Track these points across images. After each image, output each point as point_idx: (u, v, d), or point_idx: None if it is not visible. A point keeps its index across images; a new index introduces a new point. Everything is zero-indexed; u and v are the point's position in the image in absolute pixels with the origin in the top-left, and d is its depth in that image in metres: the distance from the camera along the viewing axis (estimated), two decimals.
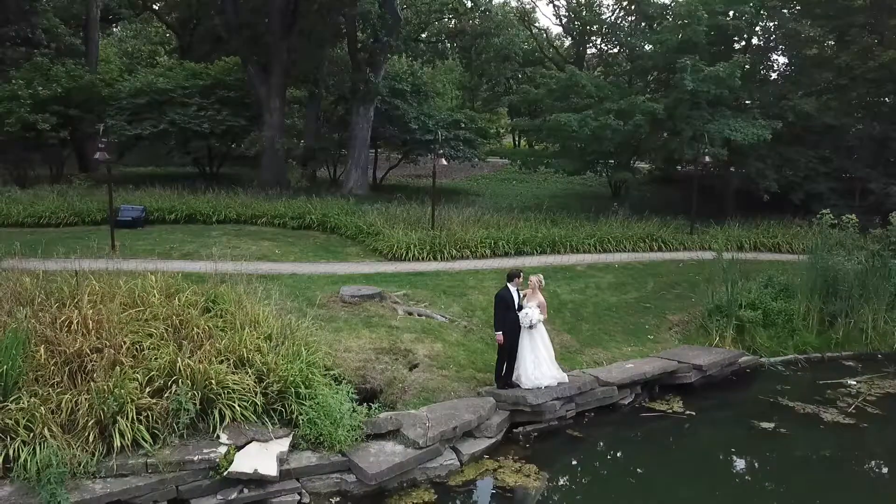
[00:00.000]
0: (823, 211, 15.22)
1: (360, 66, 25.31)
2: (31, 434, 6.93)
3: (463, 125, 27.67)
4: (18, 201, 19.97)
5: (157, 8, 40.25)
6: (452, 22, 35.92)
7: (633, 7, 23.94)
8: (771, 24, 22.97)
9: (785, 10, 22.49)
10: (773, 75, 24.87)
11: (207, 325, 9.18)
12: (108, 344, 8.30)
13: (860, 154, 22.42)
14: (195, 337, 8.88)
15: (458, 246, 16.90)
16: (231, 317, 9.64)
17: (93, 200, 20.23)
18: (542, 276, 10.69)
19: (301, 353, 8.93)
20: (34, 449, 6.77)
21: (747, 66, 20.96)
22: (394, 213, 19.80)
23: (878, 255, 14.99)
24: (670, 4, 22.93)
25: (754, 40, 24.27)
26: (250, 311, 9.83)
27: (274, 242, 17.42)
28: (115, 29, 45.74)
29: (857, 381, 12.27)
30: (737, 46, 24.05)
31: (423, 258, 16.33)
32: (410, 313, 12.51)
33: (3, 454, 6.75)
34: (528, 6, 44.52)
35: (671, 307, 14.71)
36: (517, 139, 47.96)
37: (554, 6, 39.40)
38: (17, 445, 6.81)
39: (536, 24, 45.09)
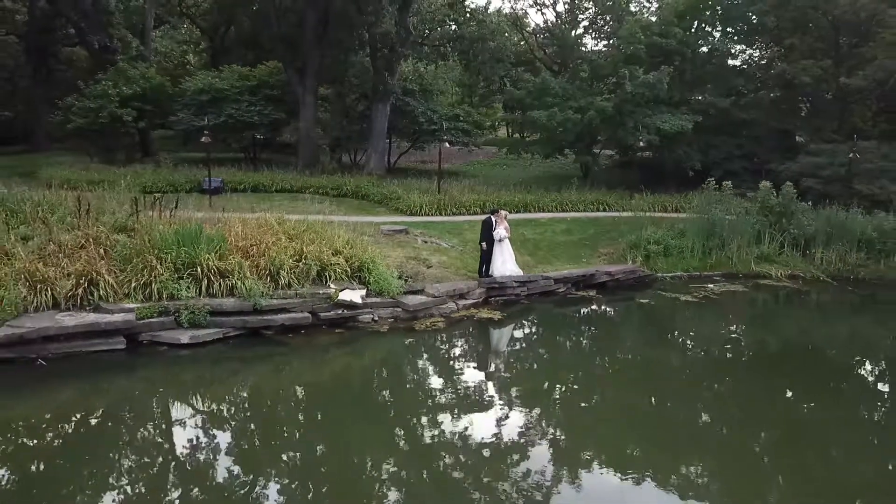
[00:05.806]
0: (709, 179, 21.92)
1: (379, 71, 31.38)
2: (240, 274, 13.53)
3: (461, 118, 34.07)
4: (123, 175, 26.50)
5: (189, 13, 46.23)
6: (453, 28, 42.00)
7: (596, 27, 30.33)
8: (699, 41, 29.54)
9: (709, 29, 29.04)
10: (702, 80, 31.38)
11: (310, 236, 15.77)
12: (259, 241, 14.88)
13: (766, 142, 29.01)
14: (305, 240, 15.45)
15: (457, 206, 23.56)
16: (320, 234, 16.20)
17: (180, 174, 26.84)
18: (507, 211, 17.45)
19: (368, 249, 15.54)
20: (243, 282, 13.37)
21: (672, 74, 27.47)
22: (409, 184, 26.44)
23: (749, 210, 21.73)
24: (620, 26, 29.40)
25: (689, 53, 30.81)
26: (331, 231, 16.41)
27: (323, 204, 23.83)
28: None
29: (714, 286, 18.92)
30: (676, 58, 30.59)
31: (432, 213, 22.96)
32: (426, 242, 19.14)
33: (230, 284, 13.36)
34: (520, 13, 50.45)
35: (603, 244, 21.35)
36: (509, 131, 54.01)
37: (541, 13, 45.22)
38: (234, 280, 13.42)
39: (528, 29, 51.02)
